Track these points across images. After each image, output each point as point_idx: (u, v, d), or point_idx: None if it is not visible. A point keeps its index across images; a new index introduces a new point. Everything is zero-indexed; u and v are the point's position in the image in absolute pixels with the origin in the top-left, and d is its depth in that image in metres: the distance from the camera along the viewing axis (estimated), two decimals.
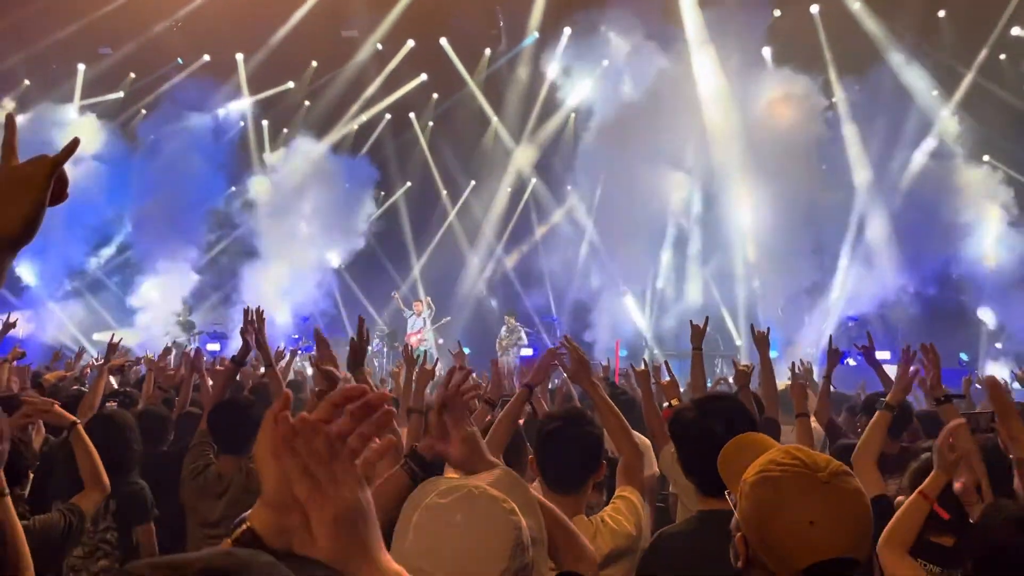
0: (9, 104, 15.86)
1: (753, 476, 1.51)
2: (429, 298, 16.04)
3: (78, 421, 3.27)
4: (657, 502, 5.05)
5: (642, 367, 4.69)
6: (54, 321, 15.77)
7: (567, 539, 2.12)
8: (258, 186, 17.07)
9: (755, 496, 1.48)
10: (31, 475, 2.93)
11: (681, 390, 4.76)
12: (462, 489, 1.62)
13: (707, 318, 5.39)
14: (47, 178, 1.36)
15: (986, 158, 15.04)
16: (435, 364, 5.97)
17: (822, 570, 1.41)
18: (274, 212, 16.35)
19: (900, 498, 3.04)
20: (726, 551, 1.60)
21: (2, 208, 1.33)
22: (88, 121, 16.19)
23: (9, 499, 2.36)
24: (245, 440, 3.88)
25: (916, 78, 14.88)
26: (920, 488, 2.61)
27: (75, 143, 1.44)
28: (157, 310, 15.99)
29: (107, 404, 4.96)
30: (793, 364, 5.99)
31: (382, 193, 18.17)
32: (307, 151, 16.61)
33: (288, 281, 16.85)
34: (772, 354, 6.03)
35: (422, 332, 15.53)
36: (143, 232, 16.30)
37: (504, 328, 15.57)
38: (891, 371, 4.51)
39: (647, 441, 4.57)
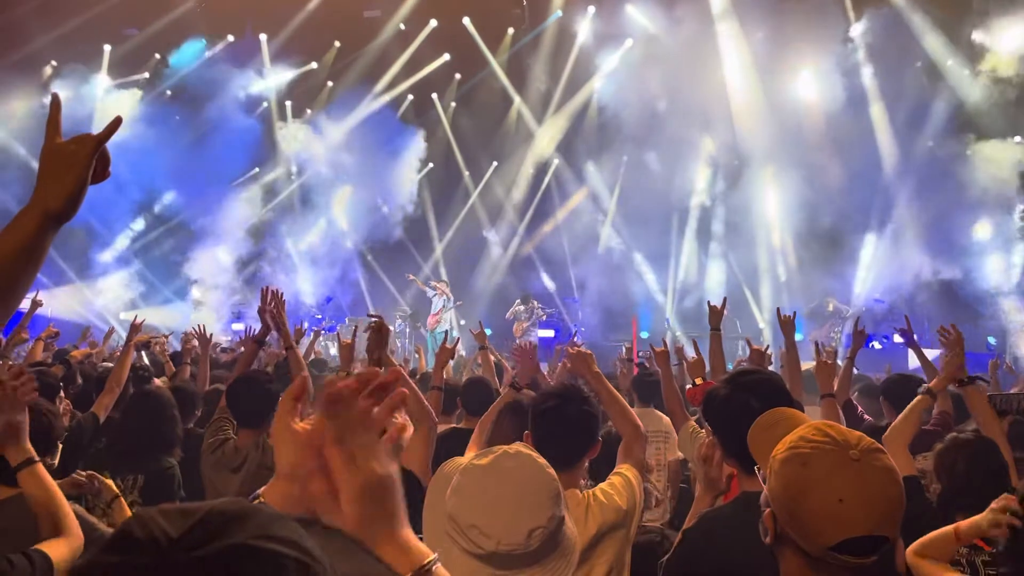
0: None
1: (783, 453, 1.50)
2: (445, 282, 16.08)
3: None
4: (680, 483, 5.05)
5: (661, 347, 4.66)
6: (85, 299, 16.00)
7: (619, 411, 2.85)
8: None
9: (784, 473, 1.48)
10: (60, 446, 2.97)
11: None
12: (497, 450, 1.70)
13: (725, 299, 5.35)
14: (90, 156, 1.41)
15: (1017, 139, 14.71)
16: (455, 344, 6.04)
17: (851, 547, 1.40)
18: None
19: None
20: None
21: (47, 184, 1.39)
22: (129, 95, 16.44)
23: (40, 466, 2.39)
24: (263, 415, 3.91)
25: (944, 55, 14.58)
26: (957, 528, 2.51)
27: (117, 122, 1.49)
28: (205, 286, 16.28)
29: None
30: (817, 344, 5.95)
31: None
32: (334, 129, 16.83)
33: (314, 263, 17.09)
34: (796, 337, 6.01)
35: (440, 313, 15.57)
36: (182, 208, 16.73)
37: (521, 307, 15.56)
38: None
39: (669, 425, 4.57)
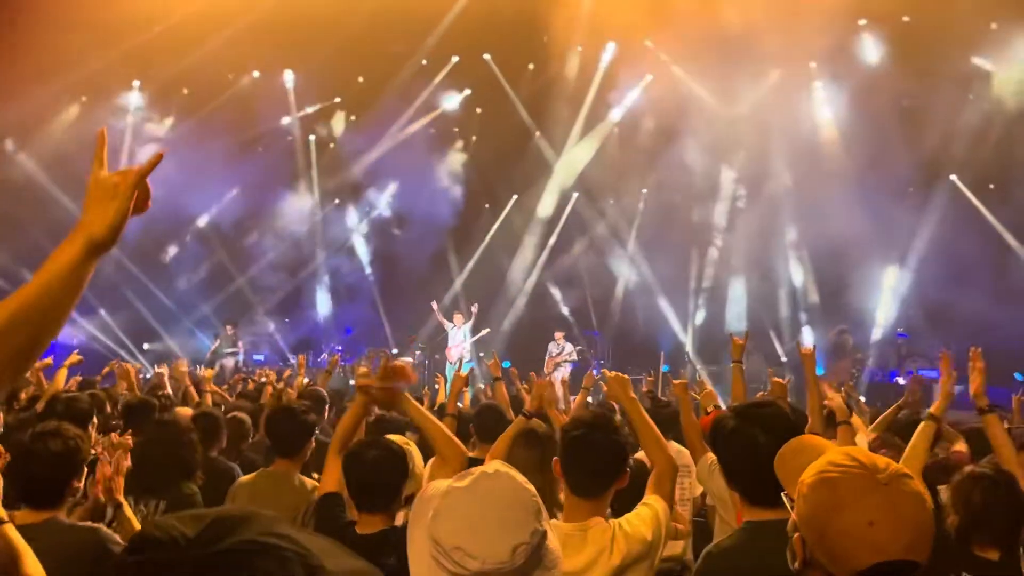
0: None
1: (811, 477, 1.51)
2: (475, 305, 16.06)
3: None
4: (695, 516, 5.03)
5: (681, 380, 4.68)
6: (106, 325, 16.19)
7: (652, 441, 2.91)
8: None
9: (813, 497, 1.48)
10: (86, 470, 3.05)
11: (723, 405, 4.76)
12: (475, 472, 1.73)
13: (747, 332, 5.36)
14: (132, 187, 1.50)
15: None
16: (469, 372, 6.09)
17: (882, 571, 1.40)
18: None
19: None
20: (778, 561, 1.59)
21: (92, 214, 1.47)
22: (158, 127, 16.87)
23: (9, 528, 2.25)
24: (299, 444, 4.08)
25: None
26: None
27: (159, 157, 1.59)
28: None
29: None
30: (834, 372, 5.92)
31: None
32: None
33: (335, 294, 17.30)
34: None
35: (462, 344, 15.59)
36: None
37: (553, 344, 15.58)
38: None
39: (690, 458, 4.56)
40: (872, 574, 1.40)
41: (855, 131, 14.30)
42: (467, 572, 1.59)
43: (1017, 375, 14.03)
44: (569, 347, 15.47)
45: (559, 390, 11.26)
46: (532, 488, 1.71)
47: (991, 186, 15.06)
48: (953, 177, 15.27)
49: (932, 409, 3.47)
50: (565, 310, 17.81)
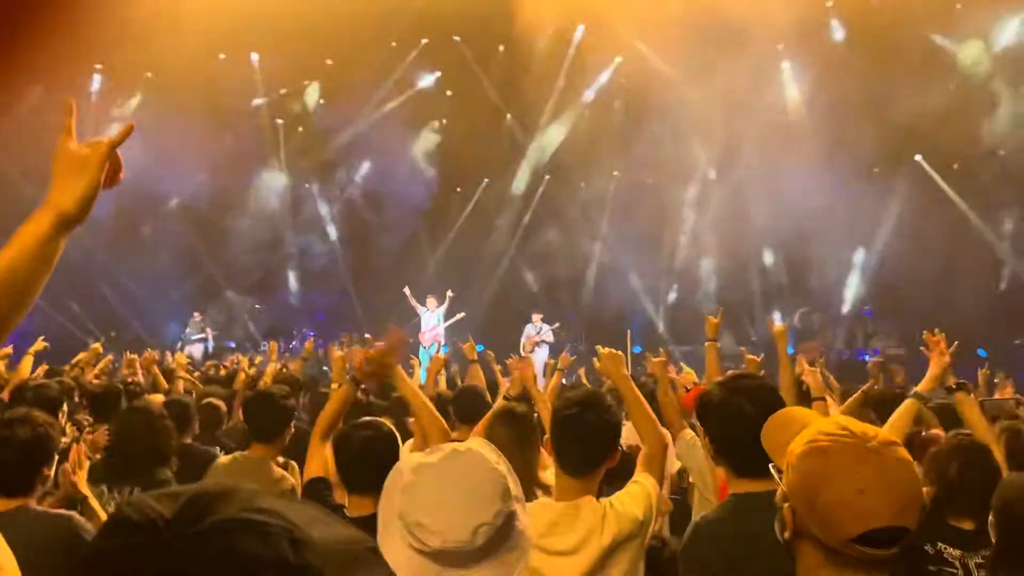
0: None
1: (801, 447, 1.51)
2: (450, 291, 15.99)
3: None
4: (673, 494, 5.06)
5: (660, 357, 4.68)
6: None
7: (643, 417, 2.90)
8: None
9: (804, 466, 1.49)
10: (56, 458, 3.00)
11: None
12: (446, 448, 1.71)
13: (721, 310, 5.37)
14: (102, 159, 1.45)
15: None
16: (447, 354, 6.09)
17: (872, 538, 1.41)
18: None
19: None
20: (766, 531, 1.60)
21: (61, 187, 1.42)
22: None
23: None
24: (278, 431, 4.03)
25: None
26: None
27: (129, 128, 1.54)
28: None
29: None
30: (803, 351, 5.99)
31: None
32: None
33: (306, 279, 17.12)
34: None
35: (436, 329, 15.53)
36: None
37: (530, 325, 15.57)
38: None
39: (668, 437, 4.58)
40: (862, 541, 1.41)
41: (822, 112, 14.41)
42: (428, 548, 1.58)
43: (980, 351, 14.32)
44: (547, 328, 15.49)
45: (539, 370, 11.28)
46: (503, 468, 1.69)
47: (955, 165, 15.29)
48: (918, 157, 15.47)
49: (919, 388, 3.50)
50: (537, 291, 17.78)
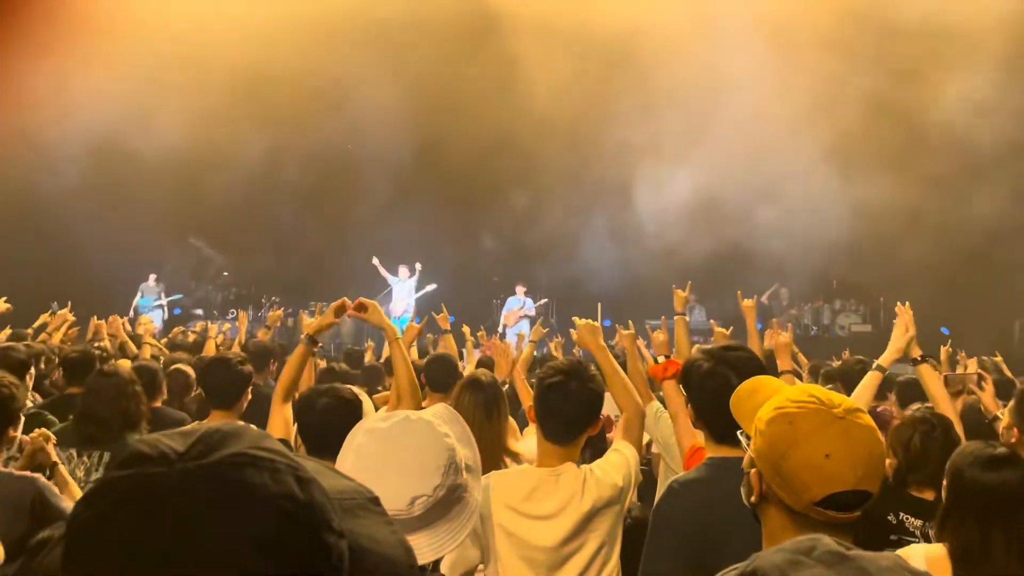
0: None
1: (769, 414, 1.55)
2: (418, 264, 15.88)
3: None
4: (640, 464, 5.12)
5: (629, 330, 4.71)
6: None
7: (621, 386, 2.97)
8: None
9: (771, 432, 1.53)
10: (22, 419, 2.97)
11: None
12: (400, 415, 1.75)
13: (689, 283, 5.40)
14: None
15: None
16: (422, 323, 6.09)
17: (836, 502, 1.46)
18: None
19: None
20: (740, 493, 1.64)
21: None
22: None
23: None
24: (235, 395, 3.96)
25: None
26: None
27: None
28: None
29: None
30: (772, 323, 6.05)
31: None
32: None
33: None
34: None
35: (407, 299, 15.49)
36: None
37: (513, 298, 15.54)
38: None
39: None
40: (827, 504, 1.46)
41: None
42: None
43: (943, 328, 14.59)
44: (530, 302, 15.49)
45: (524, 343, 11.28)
46: (452, 443, 1.71)
47: None
48: None
49: (880, 360, 3.56)
50: (509, 266, 17.69)
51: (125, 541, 0.69)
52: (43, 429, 3.03)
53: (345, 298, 3.47)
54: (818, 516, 1.47)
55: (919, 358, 3.69)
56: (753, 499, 1.58)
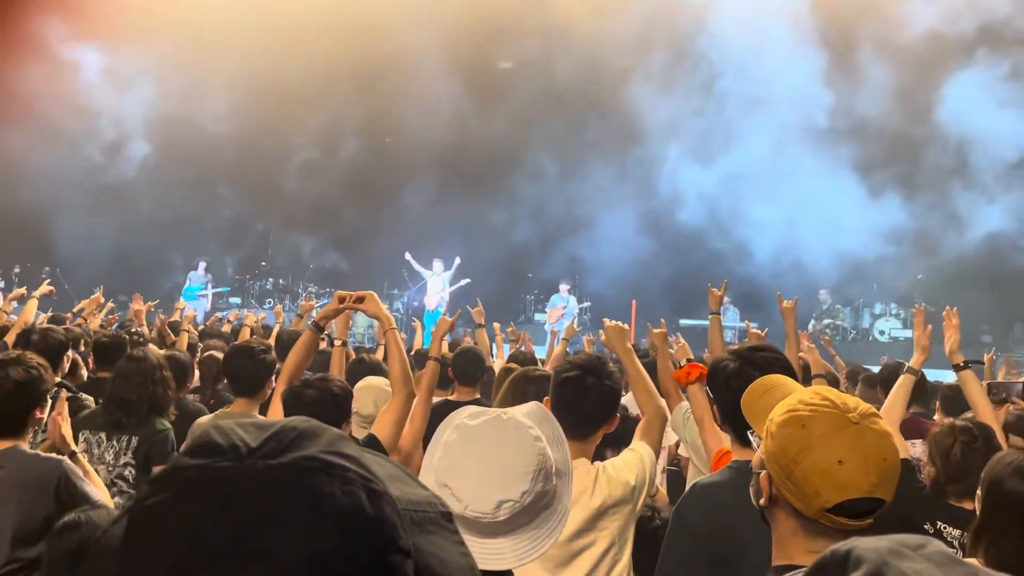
0: None
1: (781, 415, 1.51)
2: (457, 258, 15.89)
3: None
4: (669, 465, 5.05)
5: (660, 328, 4.64)
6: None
7: (644, 389, 2.94)
8: None
9: (783, 435, 1.48)
10: (50, 401, 3.00)
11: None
12: (491, 413, 1.69)
13: (725, 282, 5.30)
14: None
15: None
16: (455, 316, 6.06)
17: (848, 508, 1.42)
18: None
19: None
20: None
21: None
22: None
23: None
24: (259, 384, 3.96)
25: None
26: None
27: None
28: None
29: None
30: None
31: None
32: None
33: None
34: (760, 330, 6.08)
35: (441, 292, 15.51)
36: None
37: (557, 296, 15.53)
38: None
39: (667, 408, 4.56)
40: (838, 511, 1.42)
41: None
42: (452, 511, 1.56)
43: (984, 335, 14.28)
44: (573, 301, 15.46)
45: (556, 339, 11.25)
46: (544, 447, 1.65)
47: None
48: None
49: (911, 363, 3.49)
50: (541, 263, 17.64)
51: (184, 532, 0.67)
52: (56, 416, 3.04)
53: (340, 291, 3.45)
54: (829, 523, 1.43)
55: (962, 364, 3.57)
56: (762, 502, 1.54)
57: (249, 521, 0.67)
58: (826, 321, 15.33)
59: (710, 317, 5.06)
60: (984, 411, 3.40)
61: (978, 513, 2.35)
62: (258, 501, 0.68)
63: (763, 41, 14.50)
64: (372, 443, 2.99)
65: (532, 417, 1.72)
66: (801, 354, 4.79)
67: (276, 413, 3.20)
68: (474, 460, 1.61)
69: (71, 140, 16.14)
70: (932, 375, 5.06)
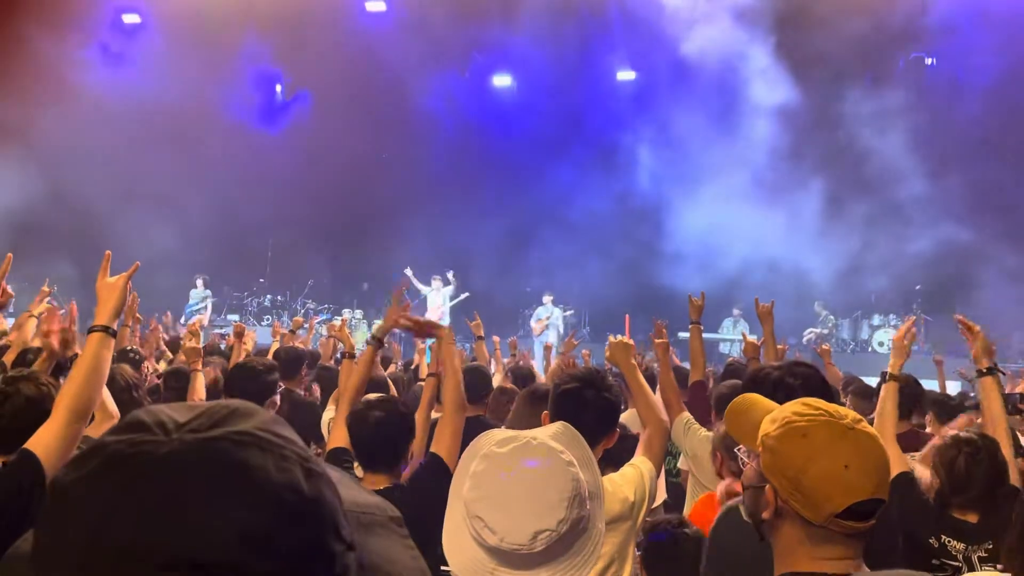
0: None
1: (778, 429, 1.54)
2: (451, 272, 15.88)
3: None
4: (671, 476, 5.03)
5: (661, 339, 4.64)
6: None
7: (646, 403, 2.90)
8: None
9: (785, 447, 1.52)
10: None
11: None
12: (520, 439, 1.64)
13: (703, 292, 5.26)
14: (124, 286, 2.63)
15: None
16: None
17: (856, 511, 1.47)
18: None
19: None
20: None
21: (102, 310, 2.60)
22: None
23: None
24: (258, 403, 3.93)
25: None
26: None
27: (135, 267, 2.63)
28: None
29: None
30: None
31: None
32: None
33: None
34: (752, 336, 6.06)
35: (441, 308, 15.49)
36: None
37: (541, 307, 15.50)
38: None
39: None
40: (847, 515, 1.47)
41: None
42: (486, 544, 1.54)
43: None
44: (557, 311, 15.44)
45: (538, 353, 11.23)
46: (577, 471, 1.61)
47: None
48: None
49: (889, 368, 3.38)
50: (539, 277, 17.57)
51: (103, 506, 0.63)
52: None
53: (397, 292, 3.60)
54: (836, 528, 1.48)
55: (985, 369, 3.34)
56: (766, 515, 1.55)
57: (173, 495, 0.63)
58: (811, 330, 15.30)
59: (691, 327, 5.03)
60: (997, 421, 3.24)
61: (1015, 530, 2.23)
62: (182, 474, 0.64)
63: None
64: (435, 462, 2.98)
65: (561, 440, 1.68)
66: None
67: (340, 432, 3.15)
68: (506, 490, 1.56)
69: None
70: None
